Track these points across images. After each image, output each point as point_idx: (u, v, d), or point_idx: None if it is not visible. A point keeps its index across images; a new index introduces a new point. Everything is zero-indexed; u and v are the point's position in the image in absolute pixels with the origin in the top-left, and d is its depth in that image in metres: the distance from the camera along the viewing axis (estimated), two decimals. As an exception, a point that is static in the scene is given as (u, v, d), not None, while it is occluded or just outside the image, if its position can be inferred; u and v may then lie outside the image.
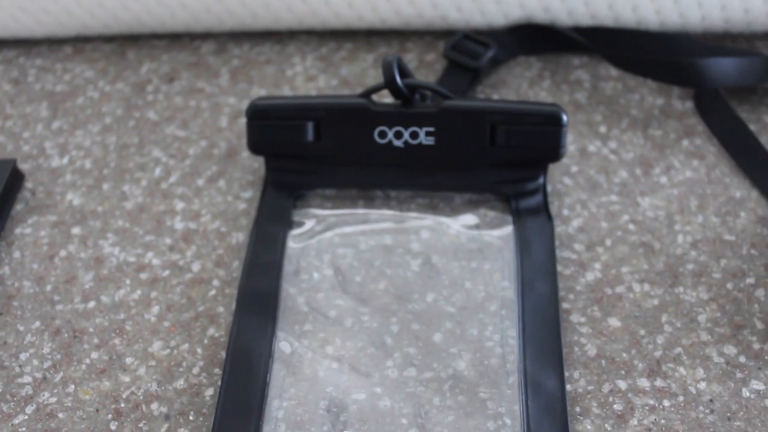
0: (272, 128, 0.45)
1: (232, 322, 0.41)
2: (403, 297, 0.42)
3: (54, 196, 0.48)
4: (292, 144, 0.45)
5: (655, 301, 0.42)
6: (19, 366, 0.41)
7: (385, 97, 0.47)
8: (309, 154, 0.46)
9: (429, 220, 0.45)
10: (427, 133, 0.45)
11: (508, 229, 0.44)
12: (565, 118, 0.44)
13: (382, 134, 0.45)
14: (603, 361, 0.40)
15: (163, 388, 0.40)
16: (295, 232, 0.45)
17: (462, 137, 0.44)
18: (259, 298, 0.42)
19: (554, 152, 0.44)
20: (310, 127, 0.45)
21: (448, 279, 0.43)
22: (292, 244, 0.44)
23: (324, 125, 0.45)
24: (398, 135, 0.45)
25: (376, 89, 0.45)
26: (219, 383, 0.39)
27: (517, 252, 0.43)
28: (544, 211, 0.44)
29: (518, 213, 0.44)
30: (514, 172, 0.45)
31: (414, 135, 0.45)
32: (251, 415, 0.38)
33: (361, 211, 0.46)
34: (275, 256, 0.43)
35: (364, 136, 0.45)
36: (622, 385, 0.39)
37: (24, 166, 0.50)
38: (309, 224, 0.45)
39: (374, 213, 0.46)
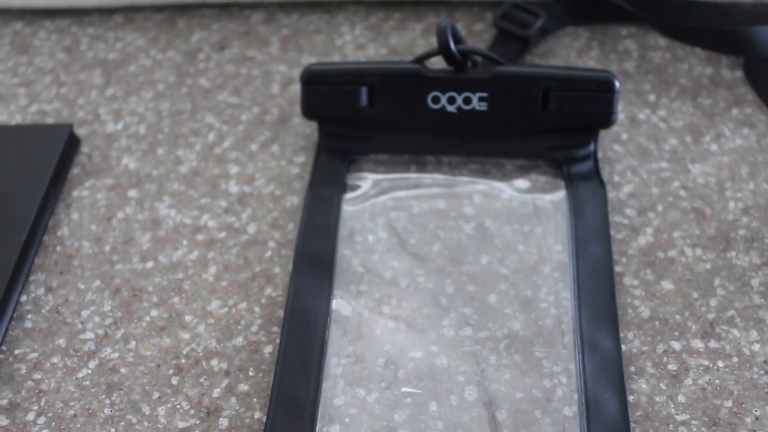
0: (326, 93, 0.46)
1: (290, 282, 0.42)
2: (458, 259, 0.43)
3: (110, 160, 0.49)
4: (346, 109, 0.46)
5: (708, 265, 0.42)
6: (81, 323, 0.42)
7: (438, 64, 0.47)
8: (362, 119, 0.46)
9: (481, 184, 0.46)
10: (480, 99, 0.45)
11: (561, 194, 0.45)
12: (617, 84, 0.44)
13: (436, 99, 0.45)
14: (657, 323, 0.40)
15: (222, 345, 0.41)
16: (349, 195, 0.45)
17: (514, 103, 0.45)
18: (315, 259, 0.42)
19: (606, 118, 0.45)
20: (364, 92, 0.45)
21: (501, 242, 0.43)
22: (347, 207, 0.45)
23: (378, 90, 0.46)
24: (451, 100, 0.45)
25: (429, 55, 0.46)
26: (278, 341, 0.40)
27: (570, 216, 0.43)
28: (595, 176, 0.45)
29: (570, 178, 0.45)
30: (565, 138, 0.45)
31: (467, 100, 0.45)
32: (311, 371, 0.38)
33: (413, 175, 0.46)
34: (330, 219, 0.44)
35: (417, 102, 0.45)
36: (676, 346, 0.39)
37: (80, 131, 0.51)
38: (363, 188, 0.46)
39: (427, 177, 0.46)
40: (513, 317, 0.40)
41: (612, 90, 0.44)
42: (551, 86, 0.44)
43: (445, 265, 0.42)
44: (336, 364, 0.39)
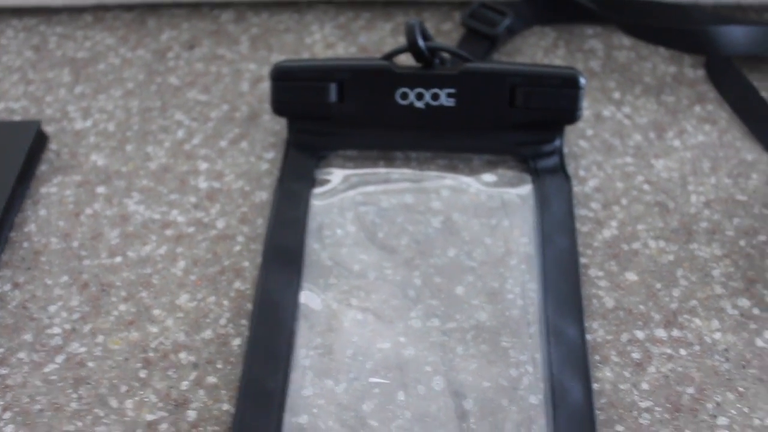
0: (296, 89, 0.46)
1: (259, 275, 0.42)
2: (425, 252, 0.43)
3: (78, 157, 0.49)
4: (316, 105, 0.46)
5: (671, 257, 0.43)
6: (48, 318, 0.42)
7: (407, 62, 0.47)
8: (332, 115, 0.47)
9: (449, 179, 0.46)
10: (448, 95, 0.46)
11: (527, 188, 0.45)
12: (582, 80, 0.45)
13: (404, 95, 0.46)
14: (621, 313, 0.41)
15: (190, 338, 0.41)
16: (318, 190, 0.46)
17: (482, 99, 0.45)
18: (284, 253, 0.43)
19: (571, 114, 0.45)
20: (333, 88, 0.46)
21: (468, 235, 0.44)
22: (316, 201, 0.45)
23: (347, 86, 0.46)
24: (419, 96, 0.46)
25: (398, 52, 0.46)
26: (246, 334, 0.40)
27: (536, 209, 0.44)
28: (561, 170, 0.45)
29: (537, 172, 0.45)
30: (532, 133, 0.46)
31: (435, 96, 0.46)
32: (279, 363, 0.39)
33: (382, 170, 0.47)
34: (299, 213, 0.44)
35: (386, 98, 0.46)
36: (640, 335, 0.40)
37: (48, 129, 0.51)
38: (332, 183, 0.46)
39: (395, 172, 0.46)
40: (480, 308, 0.41)
41: (577, 86, 0.45)
42: (518, 82, 0.45)
43: (413, 257, 0.43)
44: (304, 356, 0.39)
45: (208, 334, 0.41)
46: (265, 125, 0.50)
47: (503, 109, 0.45)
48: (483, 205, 0.45)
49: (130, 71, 0.54)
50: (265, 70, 0.53)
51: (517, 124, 0.46)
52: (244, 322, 0.41)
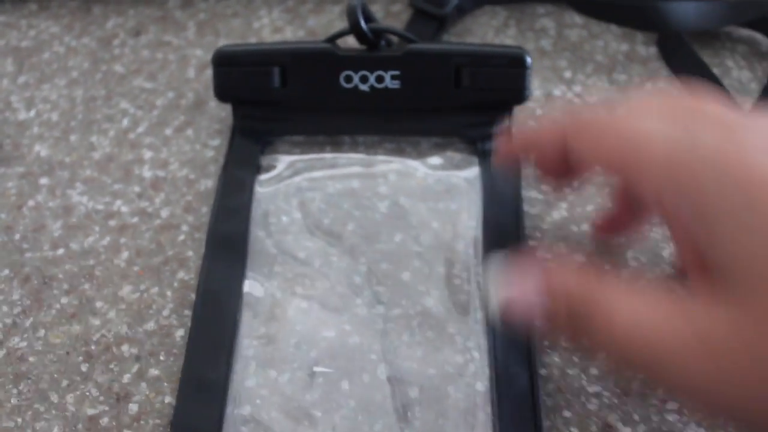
0: (238, 74, 0.45)
1: (201, 264, 0.41)
2: (372, 238, 0.42)
3: (21, 149, 0.48)
4: (259, 90, 0.46)
5: (621, 239, 0.42)
6: (-11, 313, 0.41)
7: (354, 46, 0.47)
8: (276, 100, 0.46)
9: (396, 163, 0.45)
10: (393, 77, 0.45)
11: (474, 171, 0.45)
12: (528, 59, 0.44)
13: (348, 78, 0.45)
14: (569, 295, 0.40)
15: (133, 330, 0.40)
16: (263, 177, 0.45)
17: (427, 80, 0.45)
18: (228, 241, 0.42)
19: (519, 94, 0.45)
20: (276, 72, 0.45)
21: (415, 220, 0.43)
22: (260, 188, 0.44)
23: (290, 70, 0.45)
24: (364, 79, 0.45)
25: (341, 34, 0.45)
26: (189, 324, 0.40)
27: (483, 191, 0.43)
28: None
29: (484, 155, 0.45)
30: (479, 115, 0.45)
31: (380, 79, 0.45)
32: (221, 353, 0.38)
33: (328, 155, 0.46)
34: (243, 200, 0.43)
35: (330, 81, 0.45)
36: (588, 317, 0.40)
37: (-10, 120, 0.50)
38: (277, 169, 0.45)
39: (342, 157, 0.46)
40: (426, 294, 0.40)
41: (523, 65, 0.44)
42: (463, 62, 0.44)
43: (359, 244, 0.42)
44: (248, 346, 0.39)
45: (150, 325, 0.40)
46: (211, 112, 0.49)
47: (449, 91, 0.45)
48: (430, 189, 0.44)
49: (75, 60, 0.53)
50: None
51: (464, 106, 0.45)
52: (187, 312, 0.41)
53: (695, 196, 0.28)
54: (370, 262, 0.42)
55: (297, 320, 0.40)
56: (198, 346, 0.38)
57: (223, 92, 0.46)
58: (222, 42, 0.53)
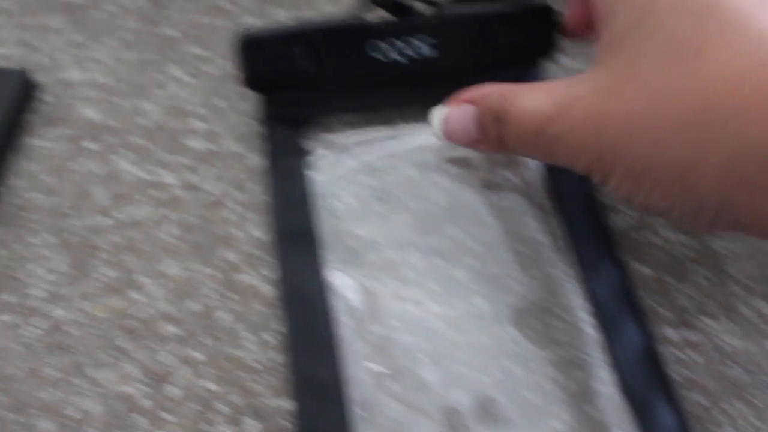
0: (267, 59, 0.43)
1: (277, 264, 0.39)
2: (427, 231, 0.41)
3: (69, 109, 0.47)
4: (291, 73, 0.43)
5: (689, 253, 0.41)
6: (32, 279, 0.40)
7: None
8: (309, 81, 0.44)
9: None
10: (431, 45, 0.43)
11: (540, 167, 0.43)
12: (555, 12, 0.43)
13: (385, 52, 0.43)
14: (627, 306, 0.39)
15: (176, 308, 0.39)
16: (314, 160, 0.43)
17: (463, 44, 0.43)
18: (297, 235, 0.40)
19: (546, 47, 0.44)
20: (307, 53, 0.43)
21: (473, 215, 0.42)
22: (314, 175, 0.43)
23: (323, 49, 0.43)
24: (400, 50, 0.43)
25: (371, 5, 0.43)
26: (232, 307, 0.39)
27: (549, 190, 0.42)
28: None
29: None
30: (512, 71, 0.44)
31: (417, 48, 0.43)
32: (327, 350, 0.37)
33: (379, 134, 0.44)
34: (300, 190, 0.42)
35: (364, 55, 0.43)
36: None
37: (40, 78, 0.48)
38: (325, 152, 0.44)
39: (394, 138, 0.44)
40: (477, 293, 0.39)
41: (549, 18, 0.43)
42: (495, 22, 0.43)
43: (413, 236, 0.41)
44: (351, 341, 0.37)
45: (194, 305, 0.39)
46: (266, 85, 0.47)
47: (483, 52, 0.43)
48: (488, 183, 0.43)
49: (127, 20, 0.51)
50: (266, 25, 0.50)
51: (496, 65, 0.44)
52: (230, 294, 0.39)
53: None
54: (424, 256, 0.40)
55: (391, 313, 0.38)
56: (301, 346, 0.37)
57: (252, 80, 0.43)
58: (276, 10, 0.51)
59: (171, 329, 0.38)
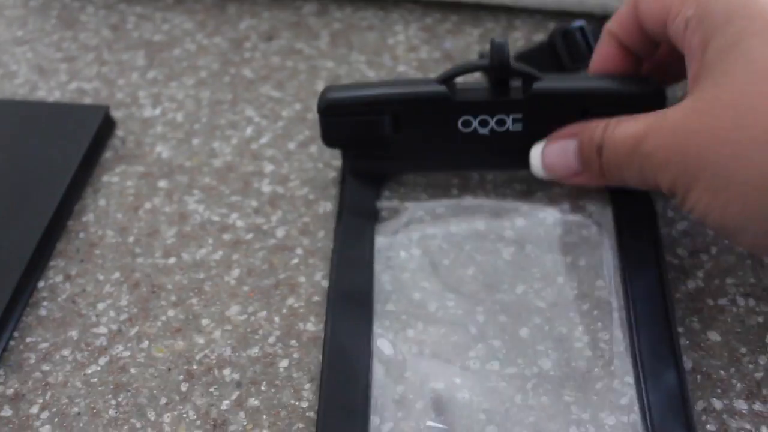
0: (347, 124, 0.42)
1: (326, 321, 0.39)
2: (492, 286, 0.40)
3: (143, 147, 0.48)
4: (370, 138, 0.43)
5: (760, 318, 0.39)
6: (96, 316, 0.41)
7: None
8: (388, 145, 0.43)
9: (525, 206, 0.43)
10: (515, 120, 0.42)
11: (608, 215, 0.42)
12: (666, 95, 0.41)
13: (467, 123, 0.42)
14: (698, 377, 0.37)
15: (237, 354, 0.39)
16: (383, 226, 0.43)
17: (552, 120, 0.41)
18: (352, 297, 0.39)
19: None
20: (387, 120, 0.42)
21: (540, 272, 0.41)
22: (381, 238, 0.42)
23: (403, 117, 0.42)
24: (484, 123, 0.42)
25: (460, 72, 0.41)
26: (295, 355, 0.38)
27: (617, 236, 0.41)
28: (647, 205, 0.42)
29: (618, 201, 0.42)
30: None
31: (501, 122, 0.42)
32: (356, 421, 0.36)
33: (452, 194, 0.44)
34: (364, 253, 0.41)
35: (446, 126, 0.42)
36: (717, 404, 0.37)
37: (116, 114, 0.49)
38: (398, 218, 0.43)
39: (467, 198, 0.44)
40: (544, 354, 0.38)
41: (662, 102, 0.40)
42: (591, 103, 0.41)
43: (479, 291, 0.40)
44: (381, 407, 0.37)
45: (255, 351, 0.39)
46: (337, 130, 0.47)
47: None
48: (558, 239, 0.42)
49: (204, 59, 0.52)
50: (344, 69, 0.51)
51: None
52: (293, 342, 0.39)
53: (710, 18, 0.35)
54: (488, 312, 0.39)
55: (407, 366, 0.38)
56: (331, 413, 0.36)
57: (331, 141, 0.43)
58: (354, 56, 0.51)
59: (230, 374, 0.38)
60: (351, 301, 0.39)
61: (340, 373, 0.37)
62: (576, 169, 0.40)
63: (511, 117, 0.42)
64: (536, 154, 0.41)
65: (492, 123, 0.42)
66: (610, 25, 0.42)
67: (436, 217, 0.43)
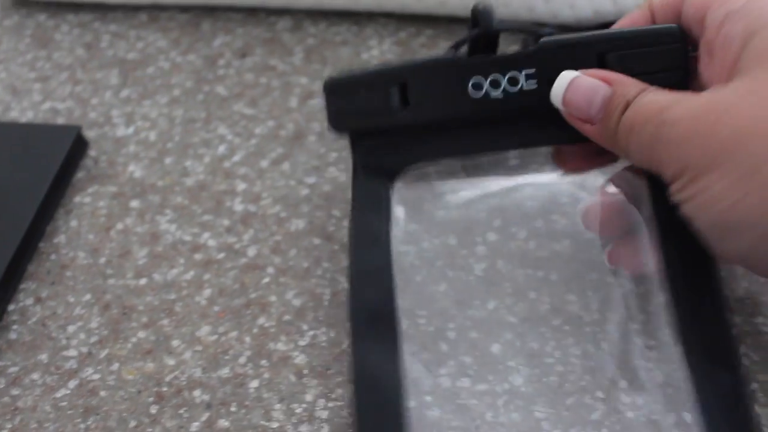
0: (354, 100, 0.40)
1: (351, 345, 0.36)
2: (463, 302, 0.40)
3: (116, 167, 0.47)
4: (378, 114, 0.40)
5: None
6: (66, 338, 0.41)
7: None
8: (398, 123, 0.40)
9: (497, 221, 0.43)
10: (528, 76, 0.39)
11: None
12: (683, 32, 0.38)
13: (477, 86, 0.39)
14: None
15: (207, 375, 0.39)
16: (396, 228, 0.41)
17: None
18: (375, 314, 0.37)
19: (679, 74, 0.38)
20: (395, 92, 0.40)
21: (511, 287, 0.40)
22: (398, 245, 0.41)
23: (411, 88, 0.40)
24: (495, 84, 0.39)
25: (466, 41, 0.40)
26: (265, 375, 0.38)
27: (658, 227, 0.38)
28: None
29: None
30: None
31: (513, 81, 0.39)
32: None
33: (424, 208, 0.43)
34: (382, 258, 0.39)
35: (456, 92, 0.39)
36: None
37: (89, 133, 0.49)
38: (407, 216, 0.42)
39: (440, 212, 0.43)
40: (515, 371, 0.38)
41: (679, 40, 0.38)
42: (607, 48, 0.38)
43: (450, 307, 0.40)
44: None
45: (225, 372, 0.39)
46: (310, 147, 0.47)
47: None
48: (530, 254, 0.42)
49: (178, 77, 0.52)
50: (317, 86, 0.50)
51: None
52: (264, 362, 0.39)
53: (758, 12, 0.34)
54: (459, 328, 0.39)
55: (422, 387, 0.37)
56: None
57: (338, 122, 0.41)
58: (328, 71, 0.51)
59: (200, 395, 0.38)
60: (375, 319, 0.37)
61: (373, 401, 0.35)
62: (594, 114, 0.37)
63: (523, 73, 0.39)
64: (564, 80, 0.37)
65: (504, 82, 0.39)
66: (654, 1, 0.40)
67: (408, 234, 0.43)
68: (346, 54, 0.52)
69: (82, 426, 0.37)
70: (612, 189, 0.41)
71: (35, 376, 0.39)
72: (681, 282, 0.36)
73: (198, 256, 0.43)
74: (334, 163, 0.46)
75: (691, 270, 0.36)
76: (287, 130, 0.48)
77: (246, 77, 0.51)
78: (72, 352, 0.40)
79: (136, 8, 0.56)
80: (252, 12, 0.55)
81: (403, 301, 0.40)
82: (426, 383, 0.37)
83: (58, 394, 0.39)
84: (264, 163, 0.47)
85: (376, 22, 0.54)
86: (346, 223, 0.44)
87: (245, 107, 0.50)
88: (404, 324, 0.39)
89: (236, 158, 0.47)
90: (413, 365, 0.38)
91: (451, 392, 0.37)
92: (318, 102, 0.49)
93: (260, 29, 0.54)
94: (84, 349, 0.40)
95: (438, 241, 0.42)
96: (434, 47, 0.52)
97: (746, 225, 0.31)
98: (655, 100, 0.34)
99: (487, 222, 0.43)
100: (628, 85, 0.36)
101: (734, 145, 0.31)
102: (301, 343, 0.39)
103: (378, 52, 0.52)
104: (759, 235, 0.31)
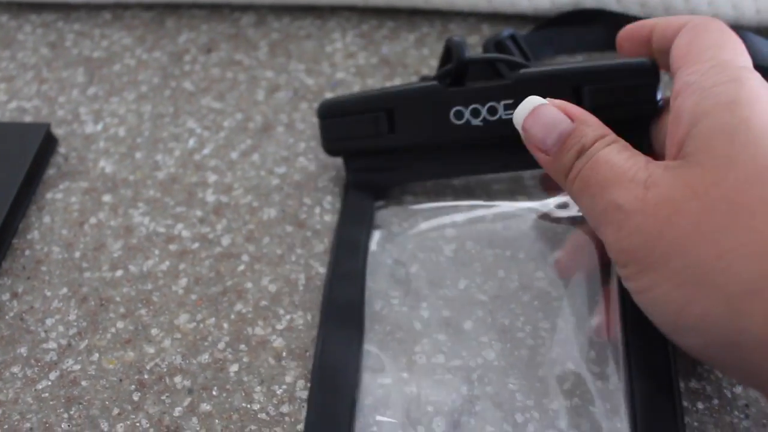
0: (344, 124, 0.43)
1: (317, 334, 0.39)
2: (435, 282, 0.41)
3: (86, 163, 0.48)
4: (367, 138, 0.43)
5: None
6: (45, 331, 0.41)
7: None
8: (385, 146, 0.44)
9: (465, 204, 0.44)
10: (506, 106, 0.42)
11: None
12: (657, 67, 0.40)
13: (459, 115, 0.42)
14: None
15: (187, 361, 0.40)
16: (377, 236, 0.44)
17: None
18: (343, 311, 0.40)
19: (650, 107, 0.40)
20: (382, 117, 0.43)
21: (481, 266, 0.42)
22: (374, 247, 0.43)
23: (397, 114, 0.43)
24: (475, 113, 0.42)
25: (448, 73, 0.42)
26: (244, 359, 0.39)
27: None
28: None
29: None
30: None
31: (492, 110, 0.42)
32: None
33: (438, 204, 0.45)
34: (358, 265, 0.42)
35: (439, 120, 0.42)
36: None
37: (58, 131, 0.49)
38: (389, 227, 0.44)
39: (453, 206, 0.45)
40: (488, 346, 0.39)
41: (652, 75, 0.40)
42: (583, 81, 0.41)
43: (422, 288, 0.41)
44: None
45: (205, 358, 0.40)
46: (278, 138, 0.48)
47: None
48: (498, 235, 0.43)
49: (145, 73, 0.53)
50: (283, 78, 0.51)
51: None
52: (242, 347, 0.40)
53: (713, 90, 0.33)
54: (432, 307, 0.40)
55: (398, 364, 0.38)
56: (316, 425, 0.36)
57: (331, 145, 0.44)
58: (293, 64, 0.52)
59: (182, 381, 0.39)
60: (343, 315, 0.40)
61: (327, 387, 0.38)
62: (548, 147, 0.36)
63: (502, 103, 0.42)
64: (528, 105, 0.37)
65: (484, 112, 0.42)
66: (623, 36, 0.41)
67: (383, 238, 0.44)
68: (310, 47, 0.53)
69: (65, 415, 0.38)
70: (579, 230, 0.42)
71: (15, 369, 0.40)
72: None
73: (173, 247, 0.44)
74: (303, 153, 0.47)
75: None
76: (255, 123, 0.49)
77: (212, 72, 0.52)
78: (51, 345, 0.40)
79: (100, 7, 0.57)
80: (216, 8, 0.56)
81: (374, 283, 0.41)
82: (402, 361, 0.39)
83: (40, 386, 0.39)
84: (234, 155, 0.48)
85: (338, 15, 0.55)
86: (317, 210, 0.45)
87: (213, 101, 0.51)
88: (378, 305, 0.40)
89: (206, 151, 0.48)
90: (388, 344, 0.39)
91: (426, 369, 0.38)
92: (285, 95, 0.50)
93: (224, 25, 0.55)
94: (63, 341, 0.41)
95: (407, 224, 0.43)
96: (396, 39, 0.53)
97: (696, 330, 0.31)
98: (611, 161, 0.34)
99: (453, 207, 0.44)
100: (589, 125, 0.36)
101: (679, 249, 0.30)
102: (279, 327, 0.40)
103: (341, 44, 0.53)
104: (710, 340, 0.31)
